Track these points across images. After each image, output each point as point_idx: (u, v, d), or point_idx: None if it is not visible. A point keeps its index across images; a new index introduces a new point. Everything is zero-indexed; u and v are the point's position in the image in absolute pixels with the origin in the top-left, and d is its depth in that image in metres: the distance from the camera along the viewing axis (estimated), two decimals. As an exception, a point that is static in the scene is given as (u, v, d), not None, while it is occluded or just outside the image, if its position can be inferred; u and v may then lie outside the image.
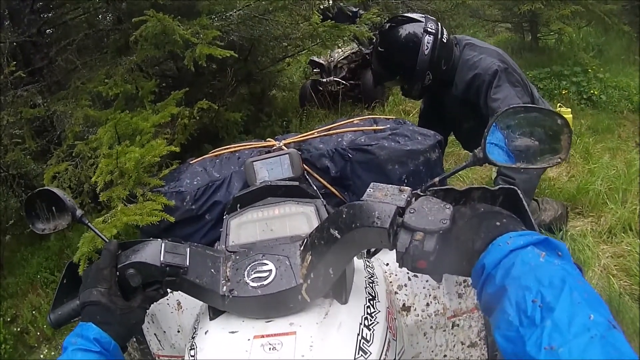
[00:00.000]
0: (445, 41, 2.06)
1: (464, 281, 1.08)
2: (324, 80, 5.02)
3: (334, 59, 4.99)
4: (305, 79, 5.78)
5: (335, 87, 4.97)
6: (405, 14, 2.17)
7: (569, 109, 2.24)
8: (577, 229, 2.60)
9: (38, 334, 2.75)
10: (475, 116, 2.09)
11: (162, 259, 0.81)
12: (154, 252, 0.82)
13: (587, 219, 2.71)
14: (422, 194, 0.77)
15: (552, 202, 2.53)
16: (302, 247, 0.84)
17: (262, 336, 0.75)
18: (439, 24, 2.08)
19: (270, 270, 0.82)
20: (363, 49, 5.04)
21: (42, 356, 2.58)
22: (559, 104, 2.28)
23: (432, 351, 1.10)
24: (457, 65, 2.12)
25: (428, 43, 2.01)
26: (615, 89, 4.63)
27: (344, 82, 4.98)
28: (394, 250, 0.72)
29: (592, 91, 4.55)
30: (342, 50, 4.95)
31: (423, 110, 2.64)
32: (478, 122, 2.08)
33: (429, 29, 2.02)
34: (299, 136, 1.42)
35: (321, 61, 5.04)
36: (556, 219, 2.48)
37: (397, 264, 1.04)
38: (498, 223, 0.67)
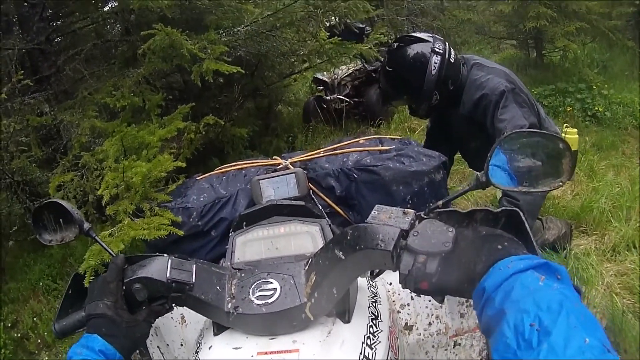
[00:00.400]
0: (452, 61, 2.07)
1: (467, 301, 1.08)
2: (328, 97, 5.00)
3: (338, 77, 4.98)
4: (311, 94, 5.80)
5: (339, 104, 4.96)
6: (413, 34, 2.19)
7: (575, 130, 2.24)
8: (580, 247, 2.58)
9: (38, 340, 2.75)
10: (482, 136, 2.09)
11: (168, 274, 0.82)
12: (161, 267, 0.83)
13: (591, 237, 2.70)
14: (425, 216, 0.79)
15: (556, 221, 2.53)
16: (306, 267, 0.85)
17: (266, 353, 0.76)
18: (447, 43, 2.10)
19: (275, 289, 0.83)
20: (367, 66, 5.04)
21: (41, 362, 2.58)
22: (564, 124, 2.28)
23: (434, 370, 1.10)
24: (464, 85, 2.13)
25: (435, 63, 2.02)
26: (619, 105, 4.64)
27: (348, 99, 4.96)
28: (397, 271, 0.72)
29: (596, 108, 4.55)
30: (345, 67, 4.92)
31: (430, 129, 2.65)
32: (484, 141, 2.08)
33: (436, 49, 2.03)
34: (305, 155, 1.43)
35: (325, 78, 5.03)
36: (560, 237, 2.47)
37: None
38: (499, 246, 0.68)
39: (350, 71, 4.99)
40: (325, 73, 4.74)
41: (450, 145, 2.45)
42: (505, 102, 1.99)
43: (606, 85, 4.93)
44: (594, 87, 4.83)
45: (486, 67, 2.14)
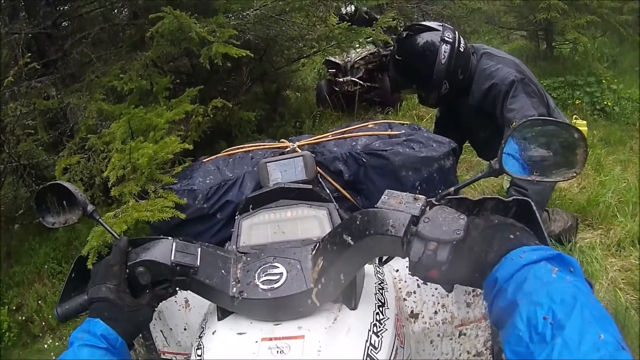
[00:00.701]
0: (462, 50, 2.05)
1: (473, 290, 1.07)
2: (341, 79, 4.87)
3: (351, 59, 4.85)
4: (320, 79, 5.66)
5: (352, 87, 4.83)
6: (423, 22, 2.17)
7: (584, 122, 2.23)
8: (586, 240, 2.58)
9: (43, 323, 2.78)
10: (491, 125, 2.08)
11: (172, 258, 0.81)
12: (165, 251, 0.82)
13: (596, 231, 2.70)
14: (436, 203, 0.77)
15: (562, 213, 2.52)
16: (314, 252, 0.84)
17: (270, 339, 0.75)
18: (457, 32, 2.07)
19: (281, 274, 0.82)
20: (381, 50, 4.92)
21: (46, 346, 2.60)
22: (574, 116, 2.27)
23: (438, 359, 1.09)
24: (474, 74, 2.11)
25: (445, 52, 2.00)
26: (628, 100, 4.60)
27: (361, 82, 4.84)
28: (406, 258, 0.72)
29: (605, 102, 4.52)
30: (359, 51, 4.81)
31: (439, 118, 2.64)
32: (494, 131, 2.07)
33: (446, 38, 2.01)
34: (313, 138, 1.41)
35: (337, 61, 4.88)
36: (565, 230, 2.47)
37: (407, 270, 1.04)
38: (512, 236, 0.67)
39: (364, 54, 4.88)
40: (337, 56, 4.56)
41: (459, 134, 2.43)
42: (514, 92, 1.97)
43: (615, 80, 4.90)
44: (604, 81, 4.80)
45: (496, 57, 2.12)
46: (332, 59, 4.79)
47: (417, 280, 1.06)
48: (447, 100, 2.23)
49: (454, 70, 2.04)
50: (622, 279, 2.31)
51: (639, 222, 2.64)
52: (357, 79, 4.83)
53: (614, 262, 2.43)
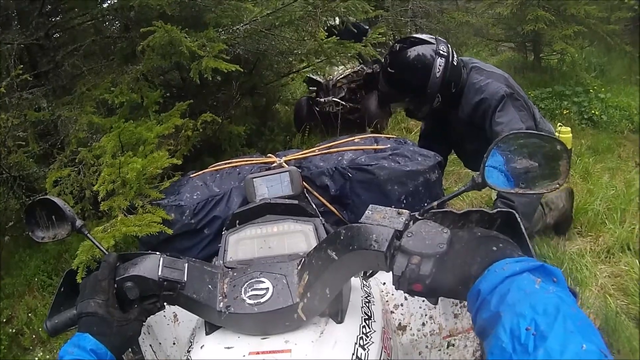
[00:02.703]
0: (455, 64, 2.06)
1: (460, 301, 1.08)
2: (322, 99, 4.57)
3: (333, 78, 4.58)
4: (300, 97, 5.29)
5: (334, 107, 4.55)
6: (416, 35, 2.17)
7: (569, 128, 2.27)
8: (575, 248, 2.61)
9: (33, 336, 2.74)
10: (480, 138, 2.09)
11: (160, 273, 0.81)
12: (152, 266, 0.82)
13: (585, 238, 2.73)
14: (420, 217, 0.79)
15: (556, 200, 2.52)
16: (299, 267, 0.85)
17: (258, 352, 0.76)
18: (449, 46, 2.08)
19: (267, 288, 0.83)
20: (365, 68, 4.73)
21: (36, 358, 2.57)
22: (558, 123, 2.30)
23: (427, 370, 1.10)
24: (464, 88, 2.12)
25: (440, 65, 2.00)
26: (616, 109, 4.66)
27: (343, 102, 4.57)
28: (390, 272, 0.73)
29: (593, 111, 4.58)
30: (343, 68, 4.52)
31: (424, 131, 2.64)
32: (482, 143, 2.08)
33: (440, 52, 2.01)
34: (300, 153, 1.42)
35: (319, 79, 4.61)
36: (561, 216, 2.51)
37: None
38: (495, 248, 0.67)
39: (347, 73, 4.63)
40: (319, 73, 4.35)
41: (445, 145, 2.45)
42: (503, 106, 1.98)
43: (603, 89, 4.96)
44: (591, 90, 4.86)
45: (485, 71, 2.13)
46: (314, 76, 4.59)
47: (396, 289, 1.07)
48: (436, 113, 2.24)
49: (447, 83, 2.04)
50: (612, 285, 2.34)
51: (628, 229, 2.67)
52: (339, 99, 4.57)
53: (604, 269, 2.46)
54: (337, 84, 4.61)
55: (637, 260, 2.44)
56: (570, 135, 2.24)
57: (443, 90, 2.05)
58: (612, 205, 2.92)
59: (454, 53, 2.08)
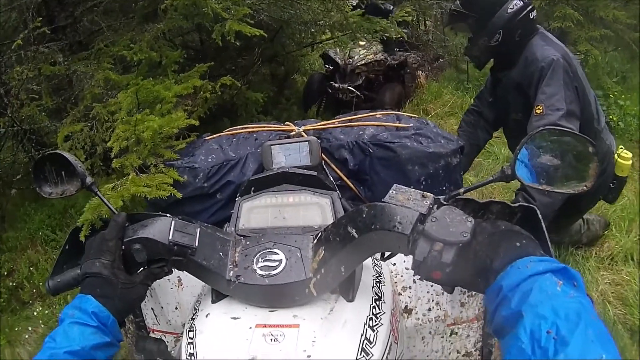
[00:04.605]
0: (532, 17, 2.03)
1: (469, 290, 1.07)
2: (336, 85, 4.25)
3: (353, 62, 4.24)
4: (314, 72, 4.85)
5: (348, 96, 4.23)
6: None
7: (630, 154, 2.09)
8: (581, 250, 2.60)
9: (33, 290, 2.77)
10: (524, 109, 2.05)
11: (170, 237, 0.79)
12: (163, 229, 0.80)
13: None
14: (444, 202, 0.77)
15: (596, 224, 2.57)
16: (315, 241, 0.83)
17: (265, 326, 0.75)
18: (532, 3, 2.05)
19: (280, 260, 0.81)
20: (389, 58, 4.41)
21: (35, 313, 2.59)
22: (620, 147, 2.16)
23: (428, 356, 1.10)
24: (524, 47, 2.08)
25: (516, 5, 1.99)
26: (634, 117, 4.59)
27: (359, 92, 4.24)
28: (410, 256, 0.71)
29: (610, 117, 4.51)
30: (364, 53, 4.23)
31: (482, 92, 2.55)
32: (524, 117, 2.04)
33: None
34: (320, 124, 1.39)
35: (337, 59, 4.26)
36: (591, 240, 2.59)
37: (404, 265, 1.03)
38: (518, 244, 0.66)
39: (368, 59, 4.28)
40: (338, 51, 4.08)
41: (494, 113, 2.39)
42: (552, 75, 1.93)
43: (623, 96, 4.88)
44: (611, 95, 4.79)
45: (549, 39, 2.09)
46: (332, 54, 4.27)
47: (414, 275, 1.06)
48: (493, 68, 2.23)
49: (514, 27, 2.02)
50: (612, 293, 2.34)
51: (633, 239, 2.65)
52: (355, 87, 4.23)
53: (605, 275, 2.46)
54: (356, 70, 4.29)
55: (638, 272, 2.43)
56: (630, 162, 2.09)
57: (507, 30, 2.02)
58: (621, 214, 2.89)
59: (534, 10, 2.05)
